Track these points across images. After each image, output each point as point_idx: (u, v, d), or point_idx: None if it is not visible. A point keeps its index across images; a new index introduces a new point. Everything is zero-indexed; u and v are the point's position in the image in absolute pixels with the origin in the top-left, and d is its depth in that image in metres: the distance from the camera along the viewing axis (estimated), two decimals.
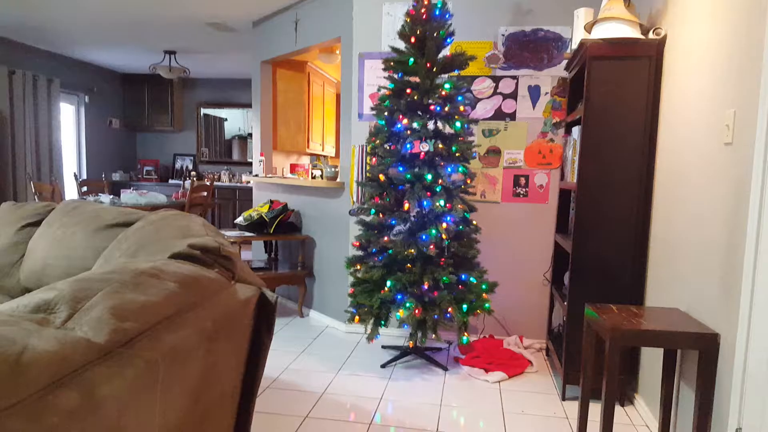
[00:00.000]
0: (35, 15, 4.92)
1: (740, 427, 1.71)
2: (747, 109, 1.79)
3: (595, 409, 2.65)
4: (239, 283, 1.31)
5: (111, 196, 4.94)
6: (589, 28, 2.78)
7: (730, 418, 1.76)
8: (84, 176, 7.26)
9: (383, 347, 3.52)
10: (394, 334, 3.75)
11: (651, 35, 2.62)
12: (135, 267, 1.06)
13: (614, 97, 2.64)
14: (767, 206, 1.64)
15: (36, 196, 5.14)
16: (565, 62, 3.42)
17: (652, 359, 2.57)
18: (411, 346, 3.25)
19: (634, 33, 2.62)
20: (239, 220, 4.25)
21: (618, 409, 2.69)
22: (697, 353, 1.96)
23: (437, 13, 2.97)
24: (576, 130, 2.91)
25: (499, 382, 3.02)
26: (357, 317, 3.10)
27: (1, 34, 5.74)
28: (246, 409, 1.35)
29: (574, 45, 2.98)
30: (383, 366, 3.19)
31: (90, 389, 0.75)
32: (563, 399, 2.80)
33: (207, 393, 1.09)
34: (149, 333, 0.90)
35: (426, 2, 2.96)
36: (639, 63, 2.61)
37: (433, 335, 3.04)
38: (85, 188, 5.72)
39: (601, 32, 2.66)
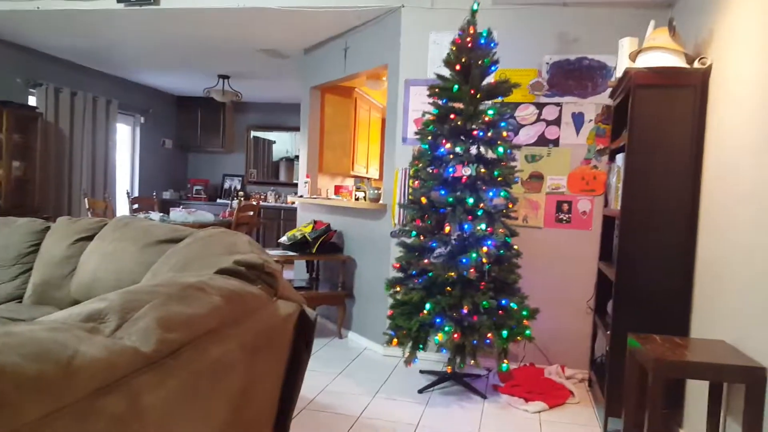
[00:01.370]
0: (97, 40, 5.24)
1: None
2: None
3: None
4: (281, 299, 1.35)
5: (161, 214, 5.14)
6: (633, 56, 2.75)
7: None
8: (136, 194, 7.61)
9: (421, 372, 3.49)
10: (433, 358, 3.71)
11: (696, 64, 2.57)
12: (182, 281, 1.11)
13: (659, 125, 2.59)
14: None
15: (89, 212, 5.40)
16: (609, 90, 3.38)
17: (697, 393, 2.45)
18: (449, 371, 3.21)
19: (679, 62, 2.58)
20: (283, 239, 4.35)
21: None
22: (744, 387, 1.87)
23: (482, 41, 3.01)
24: (620, 158, 2.86)
25: (539, 412, 2.94)
26: (395, 340, 3.10)
27: (66, 57, 6.15)
28: (282, 426, 1.38)
29: (619, 73, 2.95)
30: (420, 391, 3.16)
31: (135, 396, 0.79)
32: None
33: (246, 407, 1.13)
34: (194, 344, 0.95)
35: (472, 31, 3.00)
36: (684, 91, 2.56)
37: (472, 361, 3.00)
38: (136, 205, 5.98)
39: (645, 61, 2.63)
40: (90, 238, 2.66)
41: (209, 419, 0.98)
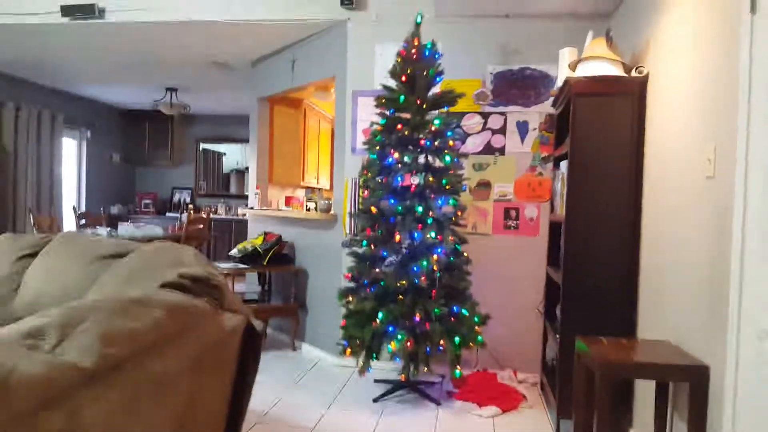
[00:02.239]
0: (42, 54, 5.06)
1: None
2: (727, 143, 1.85)
3: None
4: (227, 312, 1.34)
5: (108, 229, 4.98)
6: (573, 66, 2.88)
7: None
8: (83, 209, 7.31)
9: (375, 381, 3.49)
10: (387, 367, 3.72)
11: (634, 73, 2.72)
12: (123, 295, 1.09)
13: (599, 132, 2.71)
14: (749, 239, 1.67)
15: (34, 229, 5.17)
16: (551, 99, 3.53)
17: (645, 393, 2.56)
18: (403, 379, 3.23)
19: (616, 71, 2.72)
20: (233, 252, 4.28)
21: None
22: (688, 386, 1.96)
23: (427, 53, 3.08)
24: (564, 164, 2.99)
25: (492, 417, 3.00)
26: (348, 350, 3.10)
27: (9, 72, 5.89)
28: None
29: (560, 83, 3.09)
30: (375, 400, 3.17)
31: (76, 412, 0.78)
32: None
33: (192, 421, 1.11)
34: (135, 359, 0.93)
35: (416, 43, 3.08)
36: (622, 99, 2.70)
37: (426, 368, 3.03)
38: (83, 221, 5.76)
39: (585, 70, 2.77)
40: (34, 255, 2.55)
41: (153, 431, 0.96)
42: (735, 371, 1.70)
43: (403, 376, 3.20)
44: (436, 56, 3.11)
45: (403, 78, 3.07)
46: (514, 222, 3.63)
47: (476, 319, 3.09)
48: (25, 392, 0.74)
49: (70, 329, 0.95)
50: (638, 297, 2.70)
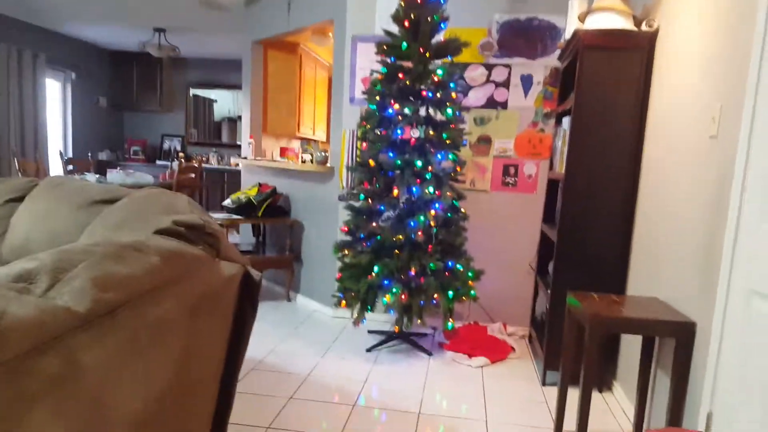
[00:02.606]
0: None
1: (711, 412, 1.75)
2: (733, 103, 1.81)
3: (574, 395, 2.70)
4: (224, 260, 1.30)
5: (97, 176, 4.88)
6: (583, 17, 2.78)
7: (702, 403, 1.80)
8: (70, 155, 7.16)
9: (369, 332, 3.54)
10: (381, 319, 3.76)
11: (644, 27, 2.62)
12: (118, 240, 1.05)
13: (605, 88, 2.65)
14: (747, 199, 1.66)
15: (20, 173, 5.07)
16: (558, 52, 3.43)
17: (631, 347, 2.61)
18: (397, 331, 3.27)
19: (627, 24, 2.63)
20: (227, 202, 4.23)
21: (596, 395, 2.74)
22: (674, 341, 1.99)
23: None
24: (566, 121, 2.92)
25: (481, 367, 3.06)
26: (344, 302, 3.11)
27: None
28: (228, 386, 1.36)
29: (568, 35, 2.98)
30: (369, 350, 3.21)
31: (71, 356, 0.75)
32: (543, 384, 2.84)
33: (189, 367, 1.09)
34: (131, 304, 0.90)
35: None
36: (631, 55, 2.62)
37: (419, 321, 3.06)
38: (70, 167, 5.65)
39: (594, 22, 2.67)
40: (21, 199, 2.48)
41: (151, 379, 0.94)
42: (721, 329, 1.73)
43: (396, 327, 3.24)
44: (442, 1, 2.97)
45: (406, 23, 2.95)
46: (513, 179, 3.59)
47: (470, 274, 3.10)
48: (17, 336, 0.71)
49: (62, 273, 0.91)
50: (631, 256, 2.71)
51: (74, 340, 0.77)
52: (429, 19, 2.94)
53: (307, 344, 3.27)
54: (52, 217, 2.06)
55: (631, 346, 2.61)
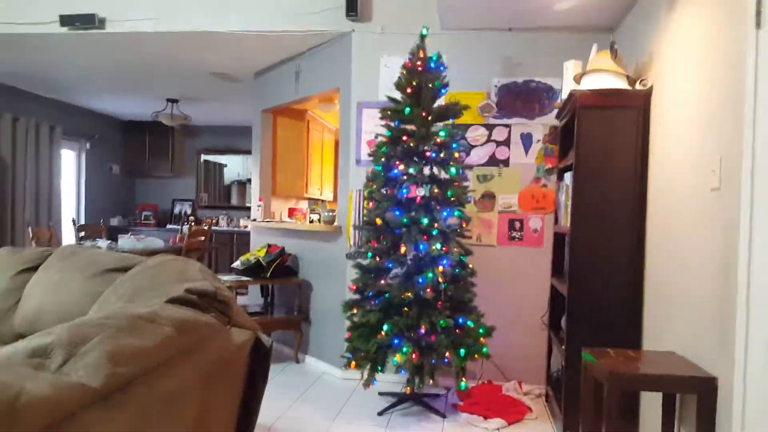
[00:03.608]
0: (40, 65, 5.06)
1: None
2: (732, 154, 1.84)
3: None
4: (235, 327, 1.31)
5: (108, 241, 4.95)
6: (578, 79, 2.88)
7: None
8: (82, 221, 7.29)
9: (380, 394, 3.45)
10: (391, 380, 3.68)
11: (638, 86, 2.72)
12: (131, 312, 1.07)
13: (604, 144, 2.71)
14: (756, 250, 1.66)
15: (33, 242, 5.15)
16: (556, 111, 3.53)
17: (651, 404, 2.53)
18: (408, 392, 3.19)
19: (621, 84, 2.72)
20: (236, 264, 4.26)
21: None
22: (696, 397, 1.93)
23: (432, 65, 3.08)
24: (568, 176, 2.97)
25: (498, 429, 2.96)
26: (353, 363, 3.06)
27: (7, 82, 5.89)
28: None
29: (564, 95, 3.08)
30: (380, 414, 3.13)
31: None
32: None
33: None
34: (145, 378, 0.91)
35: (422, 55, 3.08)
36: (627, 113, 2.69)
37: (431, 381, 3.00)
38: (82, 233, 5.74)
39: (589, 83, 2.76)
40: (34, 269, 2.52)
41: None
42: (743, 383, 1.68)
43: (408, 388, 3.16)
44: (442, 68, 3.11)
45: (409, 90, 3.07)
46: (519, 233, 3.61)
47: (481, 330, 3.06)
48: (32, 415, 0.72)
49: (76, 347, 0.92)
50: (644, 308, 2.68)
51: (88, 416, 0.78)
52: (430, 85, 3.06)
53: (316, 408, 3.19)
54: (65, 287, 2.09)
55: (651, 404, 2.53)
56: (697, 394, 1.89)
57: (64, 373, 0.86)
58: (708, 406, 1.87)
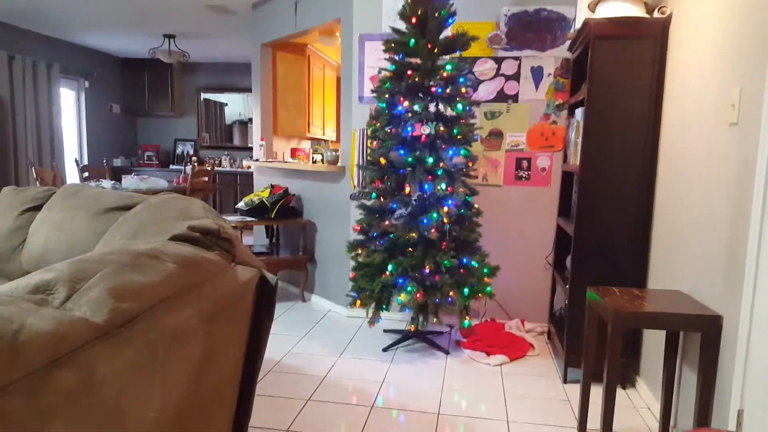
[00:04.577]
0: (34, 0, 4.87)
1: (742, 409, 1.71)
2: (754, 88, 1.76)
3: (597, 392, 2.66)
4: (239, 265, 1.30)
5: (112, 182, 4.93)
6: (593, 7, 2.73)
7: (732, 400, 1.76)
8: (85, 162, 7.25)
9: (385, 331, 3.52)
10: (396, 318, 3.75)
11: (656, 14, 2.58)
12: (134, 248, 1.05)
13: (618, 77, 2.60)
14: None
15: (37, 182, 5.14)
16: (568, 43, 3.38)
17: (654, 342, 2.56)
18: (412, 329, 3.25)
19: (638, 12, 2.58)
20: (240, 205, 4.24)
21: (620, 392, 2.70)
22: (700, 335, 1.95)
23: None
24: (579, 112, 2.88)
25: (500, 365, 3.03)
26: (358, 302, 3.10)
27: (1, 19, 5.69)
28: (247, 391, 1.35)
29: (578, 25, 2.94)
30: (385, 350, 3.20)
31: (89, 369, 0.75)
32: (565, 382, 2.81)
33: (208, 375, 1.09)
34: (148, 314, 0.90)
35: None
36: (643, 42, 2.57)
37: (435, 319, 3.04)
38: (86, 174, 5.71)
39: (605, 11, 2.62)
40: (38, 207, 2.52)
41: (170, 388, 0.94)
42: (749, 322, 1.69)
43: (412, 326, 3.22)
44: None
45: (413, 20, 2.93)
46: (526, 173, 3.55)
47: (486, 270, 3.07)
48: (34, 350, 0.71)
49: (79, 283, 0.91)
50: (650, 248, 2.66)
51: (92, 351, 0.77)
52: (436, 14, 2.91)
53: (323, 345, 3.27)
54: (69, 225, 2.08)
55: (654, 341, 2.57)
56: (701, 332, 1.91)
57: (67, 309, 0.84)
58: (712, 344, 1.89)
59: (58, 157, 6.52)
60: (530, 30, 3.42)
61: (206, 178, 5.35)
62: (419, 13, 2.91)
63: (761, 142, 1.66)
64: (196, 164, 6.06)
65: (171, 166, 8.03)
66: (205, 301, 1.06)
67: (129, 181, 4.93)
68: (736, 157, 1.85)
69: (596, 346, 2.30)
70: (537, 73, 3.45)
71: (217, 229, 1.28)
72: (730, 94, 1.93)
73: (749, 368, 1.69)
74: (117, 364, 0.80)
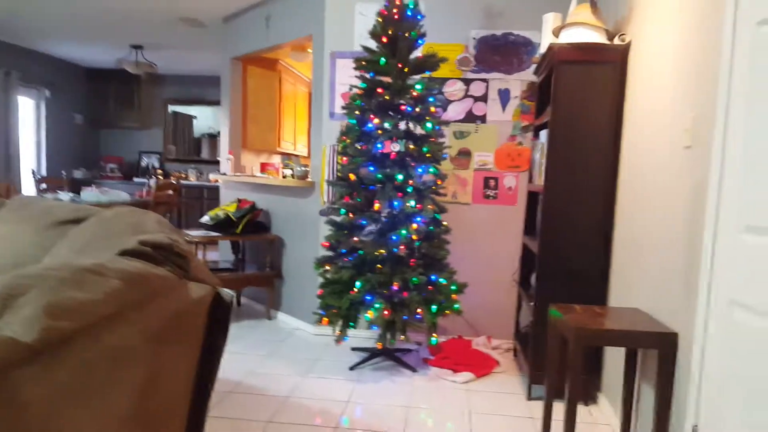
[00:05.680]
0: None
1: (696, 425, 1.73)
2: (706, 113, 1.82)
3: (560, 409, 2.66)
4: (193, 281, 1.25)
5: (71, 194, 4.77)
6: (557, 32, 2.80)
7: (687, 416, 1.78)
8: (44, 173, 7.01)
9: (353, 349, 3.47)
10: (364, 335, 3.70)
11: (616, 41, 2.65)
12: (76, 264, 0.99)
13: (580, 101, 2.66)
14: (723, 210, 1.66)
15: None
16: (534, 66, 3.45)
17: (614, 359, 2.59)
18: (380, 347, 3.21)
19: (600, 38, 2.65)
20: (205, 219, 4.15)
21: (581, 408, 2.71)
22: (657, 352, 1.98)
23: (409, 13, 2.95)
24: (544, 134, 2.93)
25: (467, 382, 3.01)
26: (325, 319, 3.05)
27: None
28: (198, 414, 1.30)
29: (543, 49, 3.00)
30: (352, 368, 3.14)
31: (13, 390, 0.69)
32: (529, 398, 2.80)
33: (153, 398, 1.04)
34: (87, 332, 0.84)
35: (398, 3, 2.94)
36: (605, 68, 2.64)
37: (402, 336, 3.01)
38: (44, 186, 5.52)
39: (568, 37, 2.69)
40: None
41: (108, 412, 0.88)
42: (703, 339, 1.72)
43: (379, 344, 3.18)
44: (419, 17, 2.98)
45: (384, 39, 2.94)
46: (493, 191, 3.58)
47: (454, 287, 3.06)
48: None
49: (12, 300, 0.85)
50: (611, 266, 2.71)
51: (19, 374, 0.71)
52: (407, 35, 2.93)
53: (287, 364, 3.19)
54: (17, 238, 1.98)
55: (614, 358, 2.59)
56: (658, 349, 1.94)
57: None
58: (668, 361, 1.92)
59: (13, 168, 6.29)
60: (498, 53, 3.49)
61: (171, 192, 5.23)
62: (390, 32, 2.93)
63: (712, 165, 1.71)
64: (160, 177, 5.93)
65: (135, 179, 7.83)
66: (152, 319, 1.01)
67: (88, 193, 4.77)
68: (690, 180, 1.90)
69: (559, 362, 2.31)
70: (504, 95, 3.51)
71: (170, 243, 1.23)
72: (684, 118, 1.98)
73: (704, 384, 1.72)
74: (48, 385, 0.75)
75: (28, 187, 6.61)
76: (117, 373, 0.89)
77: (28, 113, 6.88)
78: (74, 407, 0.80)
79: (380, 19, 2.97)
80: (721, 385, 1.62)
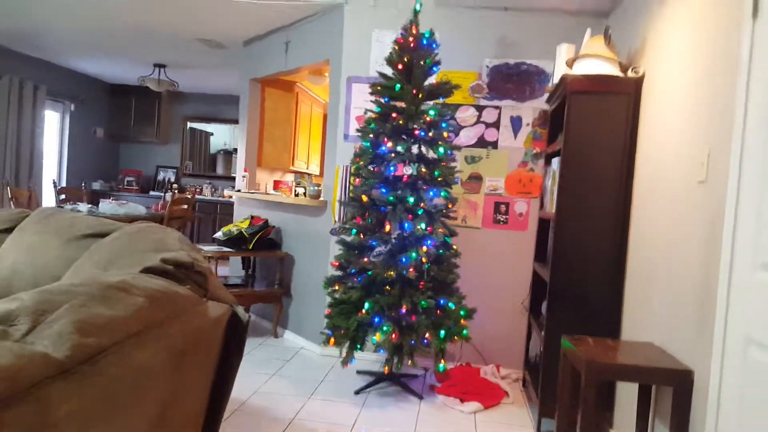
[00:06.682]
0: (27, 22, 4.89)
1: None
2: (720, 148, 1.84)
3: None
4: (211, 300, 1.29)
5: (89, 206, 4.86)
6: (570, 63, 2.85)
7: None
8: (63, 184, 7.15)
9: (358, 372, 3.47)
10: (370, 358, 3.70)
11: (630, 73, 2.69)
12: (103, 280, 1.03)
13: (593, 131, 2.69)
14: (739, 246, 1.66)
15: (12, 202, 5.04)
16: (546, 95, 3.50)
17: (627, 393, 2.57)
18: (386, 371, 3.21)
19: (613, 70, 2.70)
20: (218, 234, 4.21)
21: None
22: (672, 389, 1.96)
23: (425, 42, 3.02)
24: (555, 161, 2.96)
25: (474, 412, 2.99)
26: (332, 339, 3.06)
27: None
28: (211, 430, 1.32)
29: (556, 79, 3.05)
30: (357, 392, 3.14)
31: (46, 407, 0.73)
32: None
33: (172, 413, 1.06)
34: (114, 349, 0.88)
35: (414, 31, 3.01)
36: (618, 99, 2.67)
37: (410, 361, 3.01)
38: (63, 196, 5.63)
39: (581, 68, 2.73)
40: (9, 230, 2.46)
41: (131, 427, 0.91)
42: (719, 377, 1.70)
43: (386, 368, 3.18)
44: (434, 46, 3.05)
45: (400, 66, 3.01)
46: (504, 216, 3.61)
47: (462, 312, 3.07)
48: None
49: (43, 315, 0.89)
50: (624, 297, 2.70)
51: (51, 389, 0.75)
52: (422, 62, 3.00)
53: (293, 384, 3.20)
54: (40, 250, 2.04)
55: (628, 393, 2.56)
56: (673, 386, 1.91)
57: (28, 342, 0.82)
58: (683, 398, 1.88)
59: (36, 178, 6.43)
60: (510, 81, 3.55)
61: (186, 206, 5.31)
62: (405, 60, 3.00)
63: (728, 200, 1.72)
64: (176, 191, 6.02)
65: (151, 193, 7.95)
66: (174, 337, 1.04)
67: (106, 205, 4.86)
68: (704, 214, 1.91)
69: (570, 396, 2.29)
70: (516, 122, 3.56)
71: (191, 262, 1.27)
72: (699, 152, 2.00)
73: (720, 424, 1.69)
74: (77, 402, 0.78)
75: (48, 196, 6.74)
76: (141, 389, 0.92)
77: (53, 125, 7.05)
78: (101, 425, 0.83)
79: (396, 47, 3.04)
80: (737, 425, 1.61)
